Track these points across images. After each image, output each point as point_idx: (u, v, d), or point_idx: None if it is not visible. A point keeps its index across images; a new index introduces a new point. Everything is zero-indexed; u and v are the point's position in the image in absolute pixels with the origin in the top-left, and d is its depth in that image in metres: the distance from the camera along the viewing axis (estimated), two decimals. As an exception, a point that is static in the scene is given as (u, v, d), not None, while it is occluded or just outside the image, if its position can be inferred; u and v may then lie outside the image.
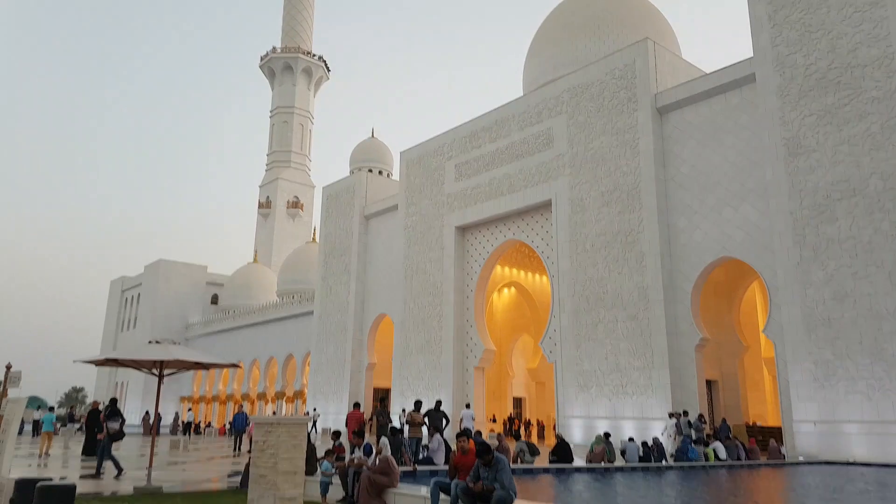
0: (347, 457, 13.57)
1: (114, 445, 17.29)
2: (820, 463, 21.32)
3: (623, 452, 21.38)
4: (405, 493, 10.44)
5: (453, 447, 15.63)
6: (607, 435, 21.37)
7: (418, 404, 21.54)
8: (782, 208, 23.86)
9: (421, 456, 18.39)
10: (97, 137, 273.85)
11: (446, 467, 15.86)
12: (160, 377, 13.54)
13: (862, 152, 22.07)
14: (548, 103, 34.09)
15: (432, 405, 21.71)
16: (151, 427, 46.20)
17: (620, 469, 19.05)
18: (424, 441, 20.19)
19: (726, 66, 27.55)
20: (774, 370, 29.96)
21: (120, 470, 16.06)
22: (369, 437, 16.89)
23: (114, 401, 19.92)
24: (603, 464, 19.82)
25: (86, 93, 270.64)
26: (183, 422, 49.29)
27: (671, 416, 24.50)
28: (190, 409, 59.86)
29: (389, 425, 20.46)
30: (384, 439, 12.99)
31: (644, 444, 22.01)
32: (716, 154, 27.33)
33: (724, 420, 26.68)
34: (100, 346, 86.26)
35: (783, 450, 23.65)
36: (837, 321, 22.11)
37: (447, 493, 9.22)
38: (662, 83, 29.80)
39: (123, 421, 18.34)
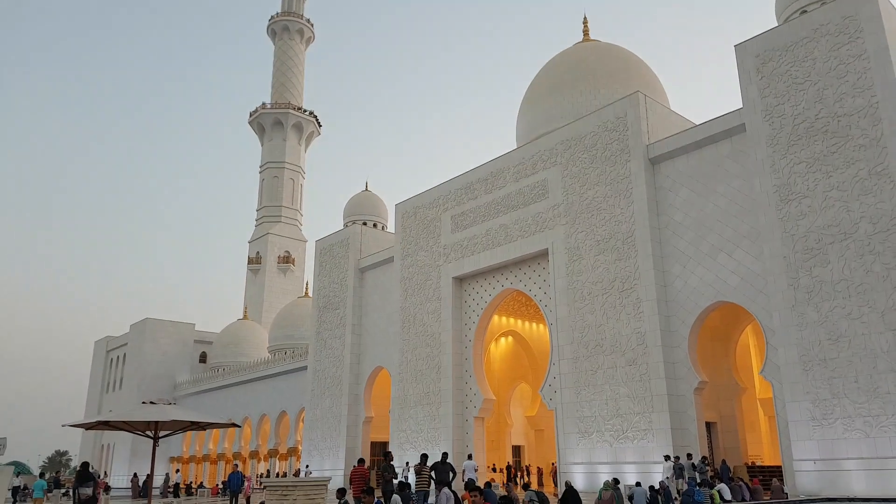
0: None
1: None
2: (822, 500, 21.63)
3: (630, 497, 21.47)
4: None
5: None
6: (616, 481, 21.49)
7: (424, 458, 21.47)
8: (776, 253, 24.66)
9: None
10: (80, 193, 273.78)
11: None
12: (155, 439, 13.19)
13: (851, 197, 23.07)
14: (542, 155, 35.12)
15: (431, 457, 21.58)
16: (141, 490, 44.99)
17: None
18: (431, 497, 20.01)
19: (716, 118, 28.76)
20: (770, 411, 30.39)
21: None
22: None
23: (85, 465, 19.04)
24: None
25: (70, 147, 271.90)
26: (173, 483, 48.12)
27: (667, 458, 24.65)
28: (178, 471, 58.47)
29: (397, 480, 20.33)
30: (396, 497, 12.82)
31: (651, 487, 22.13)
32: (708, 202, 28.26)
33: (724, 461, 26.87)
34: (84, 408, 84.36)
35: (786, 489, 23.83)
36: (833, 361, 22.68)
37: None
38: (654, 134, 30.95)
39: (96, 485, 17.80)
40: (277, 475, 52.68)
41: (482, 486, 14.16)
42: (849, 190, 23.20)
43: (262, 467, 58.28)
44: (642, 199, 29.82)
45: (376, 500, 12.74)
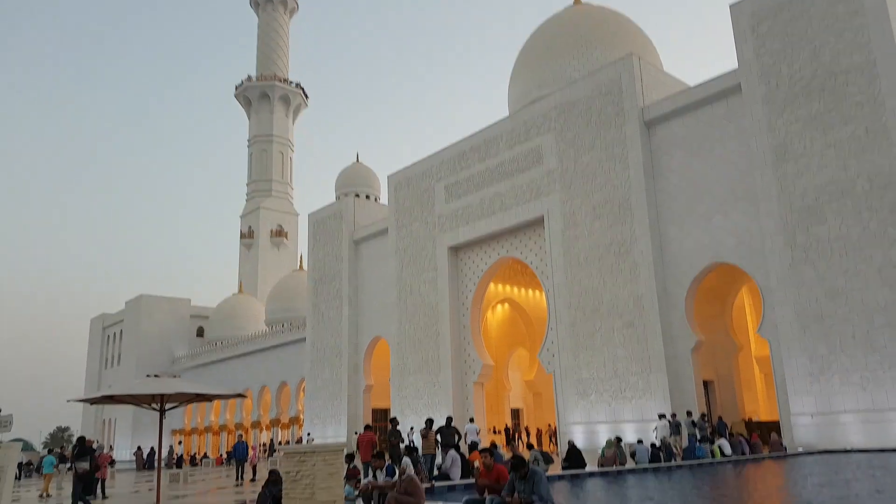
0: (363, 479, 13.40)
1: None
2: (820, 452, 22.14)
3: (633, 455, 21.86)
4: None
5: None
6: (619, 439, 21.86)
7: (429, 422, 21.76)
8: (772, 212, 24.83)
9: (435, 472, 18.50)
10: (68, 172, 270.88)
11: (463, 482, 16.12)
12: (161, 411, 13.21)
13: (848, 155, 23.18)
14: (536, 121, 34.96)
15: (433, 423, 21.92)
16: (145, 462, 45.38)
17: (633, 471, 19.50)
18: (437, 460, 20.34)
19: (711, 79, 28.65)
20: (766, 368, 30.92)
21: None
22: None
23: (81, 439, 18.93)
24: (615, 467, 20.23)
25: (61, 126, 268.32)
26: (176, 455, 48.62)
27: (661, 416, 25.04)
28: (181, 443, 58.98)
29: (404, 444, 20.60)
30: (407, 459, 12.90)
31: (652, 445, 22.54)
32: (704, 163, 28.32)
33: (720, 418, 27.36)
34: (84, 384, 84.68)
35: (784, 443, 24.35)
36: (830, 317, 23.01)
37: None
38: (648, 97, 30.83)
39: (94, 459, 17.50)
40: (280, 444, 53.40)
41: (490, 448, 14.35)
42: (846, 148, 23.29)
43: (264, 437, 59.06)
44: (638, 163, 29.83)
45: (386, 463, 12.86)
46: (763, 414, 32.33)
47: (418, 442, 24.06)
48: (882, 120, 22.58)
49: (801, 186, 24.19)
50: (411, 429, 31.34)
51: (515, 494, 8.75)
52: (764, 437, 26.11)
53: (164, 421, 13.61)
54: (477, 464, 10.58)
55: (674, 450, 22.97)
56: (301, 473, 8.43)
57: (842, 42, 23.88)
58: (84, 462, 16.41)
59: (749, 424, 29.64)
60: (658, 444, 23.02)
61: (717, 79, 28.39)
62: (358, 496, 11.56)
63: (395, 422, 22.79)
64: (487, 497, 9.13)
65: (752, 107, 26.05)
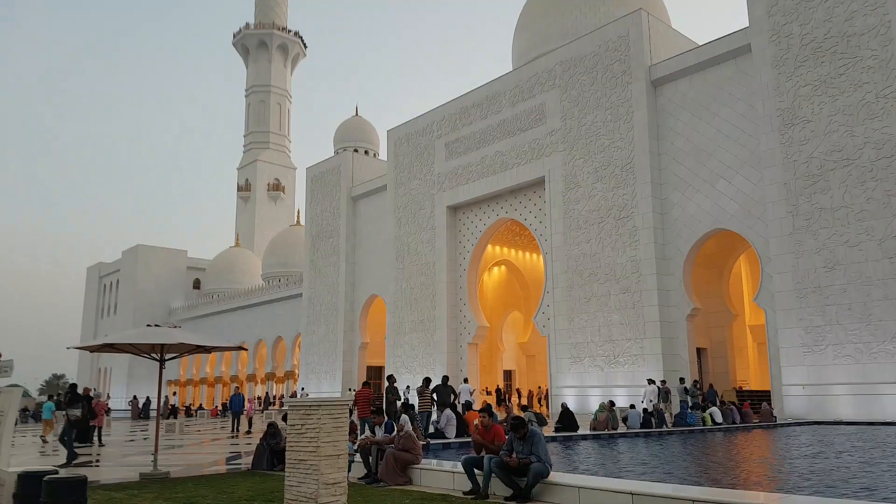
0: (359, 434, 13.41)
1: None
2: (810, 423, 22.09)
3: (625, 419, 21.78)
4: (431, 468, 10.44)
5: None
6: (612, 403, 21.73)
7: (427, 381, 21.71)
8: (776, 179, 24.29)
9: (431, 430, 18.54)
10: (69, 121, 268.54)
11: (458, 440, 16.14)
12: (161, 361, 13.08)
13: (856, 122, 22.54)
14: (540, 77, 34.10)
15: (430, 381, 21.91)
16: (141, 412, 45.63)
17: (624, 435, 19.46)
18: (433, 416, 20.35)
19: (721, 37, 27.81)
20: (759, 337, 30.76)
21: (72, 459, 15.04)
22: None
23: (73, 386, 18.84)
24: (607, 431, 20.17)
25: (59, 75, 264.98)
26: (171, 405, 48.93)
27: (650, 382, 24.94)
28: (175, 394, 59.43)
29: (400, 402, 20.54)
30: (405, 416, 12.92)
31: (645, 410, 22.47)
32: (710, 126, 27.66)
33: (710, 386, 27.32)
34: (80, 332, 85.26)
35: (774, 412, 24.29)
36: (828, 288, 22.70)
37: (479, 468, 9.12)
38: (656, 55, 29.97)
39: (85, 407, 17.39)
40: (275, 398, 53.74)
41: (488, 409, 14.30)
42: (854, 114, 22.63)
43: (258, 390, 59.50)
44: (643, 124, 29.15)
45: (387, 420, 12.91)
46: (754, 383, 32.30)
47: (414, 399, 24.07)
48: (893, 85, 21.87)
49: (807, 153, 23.60)
50: (407, 387, 31.41)
51: (514, 454, 8.78)
52: (754, 405, 26.06)
53: (162, 371, 13.48)
54: (476, 422, 10.62)
55: (665, 416, 22.91)
56: (306, 427, 8.39)
57: (856, 2, 22.99)
58: (76, 409, 16.30)
59: (740, 393, 29.59)
60: (651, 409, 22.96)
61: (726, 37, 27.53)
62: (356, 451, 11.61)
63: (392, 379, 22.77)
64: (485, 456, 9.16)
65: (760, 68, 25.28)
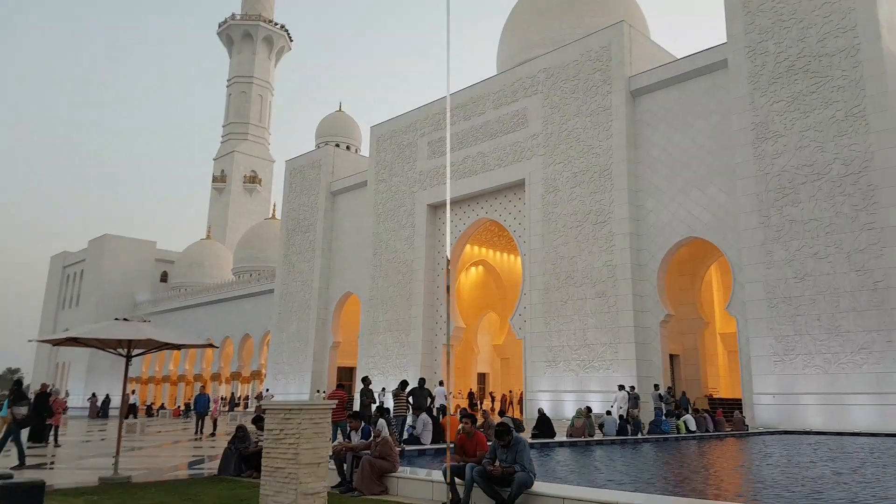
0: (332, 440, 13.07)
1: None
2: (780, 432, 22.54)
3: (601, 426, 21.98)
4: (409, 477, 10.09)
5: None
6: (589, 409, 21.94)
7: (404, 384, 21.49)
8: (748, 190, 24.92)
9: (405, 436, 18.16)
10: (36, 102, 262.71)
11: (433, 447, 15.93)
12: (128, 357, 12.65)
13: (826, 138, 23.24)
14: (523, 83, 34.48)
15: (407, 384, 21.69)
16: (99, 410, 44.48)
17: (601, 442, 19.65)
18: (409, 420, 20.13)
19: (699, 52, 28.45)
20: (730, 345, 31.40)
21: (22, 462, 14.42)
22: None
23: (19, 382, 17.94)
24: (584, 438, 20.37)
25: (29, 55, 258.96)
26: (131, 404, 48.06)
27: (621, 388, 25.32)
28: (134, 392, 58.27)
29: (375, 406, 20.25)
30: (382, 421, 12.59)
31: (620, 417, 22.77)
32: (685, 137, 28.26)
33: (683, 393, 27.80)
34: (38, 325, 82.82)
35: (746, 421, 24.83)
36: (798, 299, 23.33)
37: (460, 476, 8.69)
38: (636, 66, 30.53)
39: (31, 404, 16.76)
40: (240, 399, 52.96)
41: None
42: (825, 130, 23.35)
43: (223, 390, 58.24)
44: (621, 133, 29.66)
45: (364, 425, 12.57)
46: (724, 391, 32.89)
47: (389, 403, 23.90)
48: (861, 104, 22.63)
49: (779, 166, 24.27)
50: (382, 389, 31.34)
51: (497, 463, 8.48)
52: (726, 414, 26.57)
53: (121, 368, 13.05)
54: (460, 427, 10.19)
55: (641, 423, 23.24)
56: (285, 432, 7.99)
57: (829, 24, 23.77)
58: (22, 407, 15.51)
59: (711, 401, 30.19)
60: (625, 416, 23.26)
61: (704, 52, 28.18)
62: (331, 457, 10.89)
63: (366, 381, 21.96)
64: (467, 465, 8.78)
65: (736, 83, 25.93)
